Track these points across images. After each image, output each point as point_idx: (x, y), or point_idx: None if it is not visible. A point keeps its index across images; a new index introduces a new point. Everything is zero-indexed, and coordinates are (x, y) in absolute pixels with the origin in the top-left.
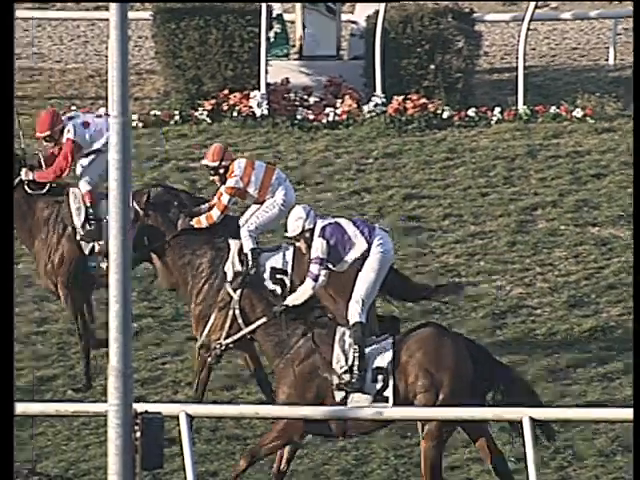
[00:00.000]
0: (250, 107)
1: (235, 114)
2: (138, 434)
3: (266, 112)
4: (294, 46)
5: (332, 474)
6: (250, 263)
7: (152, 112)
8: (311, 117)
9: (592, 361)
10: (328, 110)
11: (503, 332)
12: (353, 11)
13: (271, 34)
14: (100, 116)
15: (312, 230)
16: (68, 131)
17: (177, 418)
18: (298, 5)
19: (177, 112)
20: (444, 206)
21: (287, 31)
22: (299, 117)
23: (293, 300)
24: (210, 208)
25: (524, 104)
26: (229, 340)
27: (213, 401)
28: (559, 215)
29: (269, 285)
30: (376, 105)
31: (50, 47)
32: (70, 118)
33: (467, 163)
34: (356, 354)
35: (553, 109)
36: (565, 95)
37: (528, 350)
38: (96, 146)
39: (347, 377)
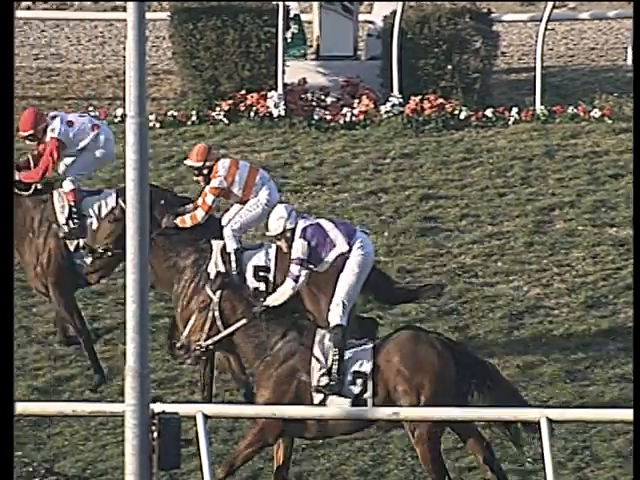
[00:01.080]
0: (267, 107)
1: (252, 114)
2: (155, 434)
3: (283, 112)
4: (311, 46)
5: (349, 474)
6: (233, 263)
7: (169, 112)
8: (328, 117)
9: (610, 362)
10: (345, 110)
11: (520, 333)
12: (371, 11)
13: (288, 34)
14: (84, 115)
15: (293, 230)
16: (52, 130)
17: (194, 418)
18: (315, 5)
19: (194, 112)
20: (461, 206)
21: (304, 31)
22: (316, 117)
23: (273, 300)
24: (195, 208)
25: (542, 104)
26: (209, 342)
27: (230, 401)
28: (577, 216)
29: (252, 283)
30: (393, 105)
31: (68, 47)
32: (54, 117)
33: (484, 163)
34: (335, 357)
35: (571, 109)
36: (583, 95)
37: (545, 351)
38: (80, 145)
39: (325, 380)
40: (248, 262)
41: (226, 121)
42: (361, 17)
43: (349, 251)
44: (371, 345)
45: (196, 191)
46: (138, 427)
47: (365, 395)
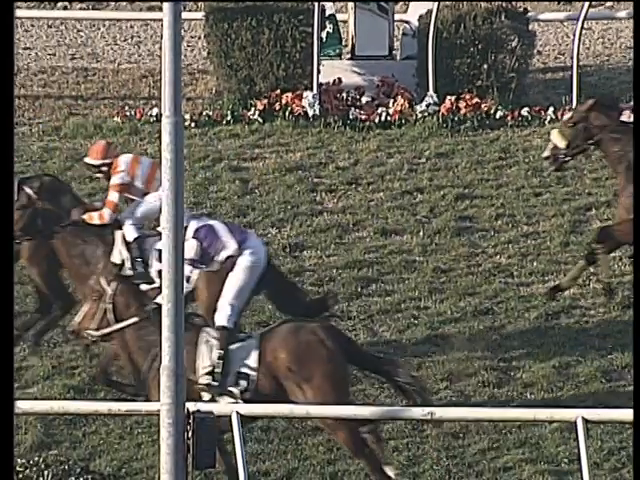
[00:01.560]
0: (302, 107)
1: (287, 114)
2: (190, 433)
3: (318, 112)
4: (346, 46)
5: None
6: (136, 251)
7: (204, 112)
8: (363, 117)
9: None
10: (380, 110)
11: (556, 333)
12: (406, 10)
13: (323, 34)
14: None
15: (185, 229)
16: None
17: (229, 417)
18: (350, 5)
19: (229, 112)
20: (497, 206)
21: (340, 31)
22: (351, 117)
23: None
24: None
25: (578, 104)
26: (98, 333)
27: (264, 401)
28: (613, 215)
29: (157, 266)
30: (428, 105)
31: (104, 47)
32: None
33: (520, 163)
34: (219, 357)
35: None
36: (620, 94)
37: (581, 351)
38: None
39: (208, 379)
40: (152, 247)
41: (261, 121)
42: (396, 17)
43: (240, 254)
44: (255, 342)
45: (231, 191)
46: (173, 426)
47: (249, 394)
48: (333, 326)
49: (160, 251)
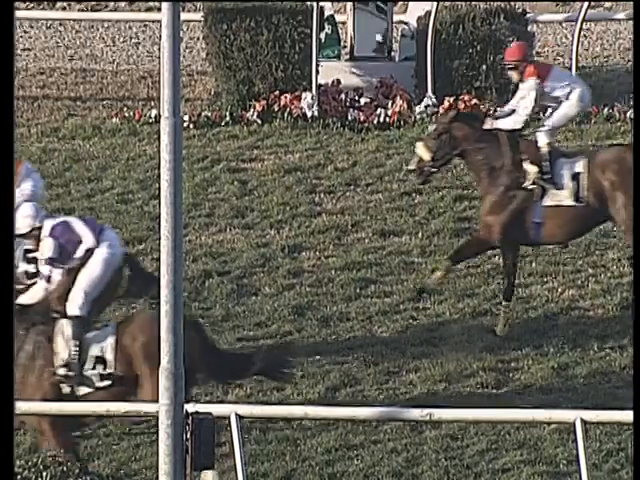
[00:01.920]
0: (301, 108)
1: (286, 115)
2: (189, 434)
3: (317, 113)
4: (345, 47)
5: (382, 475)
6: None
7: (203, 113)
8: (362, 118)
9: None
10: (379, 111)
11: (555, 334)
12: (405, 11)
13: (322, 35)
14: None
15: (40, 228)
16: None
17: (227, 419)
18: (349, 6)
19: (228, 113)
20: None
21: (338, 32)
22: (350, 118)
23: (25, 300)
24: None
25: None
26: None
27: (263, 402)
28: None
29: (23, 266)
30: (427, 106)
31: (102, 49)
32: None
33: None
34: (74, 347)
35: (606, 110)
36: (619, 96)
37: (580, 352)
38: None
39: (64, 371)
40: (19, 247)
41: (260, 122)
42: (395, 18)
43: (96, 246)
44: (112, 329)
45: (230, 192)
46: (172, 427)
47: (105, 382)
48: (198, 322)
49: (25, 250)
